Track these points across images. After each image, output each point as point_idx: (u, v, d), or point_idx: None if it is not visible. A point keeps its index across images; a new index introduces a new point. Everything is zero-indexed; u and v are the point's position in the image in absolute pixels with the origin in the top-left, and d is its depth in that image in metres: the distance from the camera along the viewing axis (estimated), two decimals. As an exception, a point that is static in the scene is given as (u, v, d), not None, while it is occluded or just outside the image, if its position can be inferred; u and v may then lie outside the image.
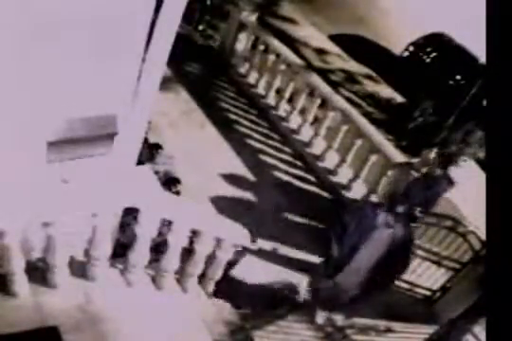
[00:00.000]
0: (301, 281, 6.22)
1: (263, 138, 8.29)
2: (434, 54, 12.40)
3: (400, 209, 5.64)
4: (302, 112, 8.40)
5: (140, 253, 4.08)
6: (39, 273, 3.82)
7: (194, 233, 4.48)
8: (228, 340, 5.10)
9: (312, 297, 6.11)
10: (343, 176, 7.69)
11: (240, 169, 7.63)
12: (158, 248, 4.75)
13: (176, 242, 4.21)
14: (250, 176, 7.57)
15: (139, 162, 4.56)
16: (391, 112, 11.01)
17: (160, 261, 4.45)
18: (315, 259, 6.60)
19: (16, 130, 3.29)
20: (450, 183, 6.08)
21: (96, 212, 3.55)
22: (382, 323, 6.11)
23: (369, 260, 5.77)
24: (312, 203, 7.50)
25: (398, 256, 5.82)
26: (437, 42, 12.63)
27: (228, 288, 5.52)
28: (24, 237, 3.44)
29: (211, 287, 5.19)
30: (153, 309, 4.27)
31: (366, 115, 8.87)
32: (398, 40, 12.72)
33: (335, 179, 7.75)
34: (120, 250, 4.35)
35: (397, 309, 6.23)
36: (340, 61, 12.19)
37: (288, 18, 12.76)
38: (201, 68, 9.36)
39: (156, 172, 6.55)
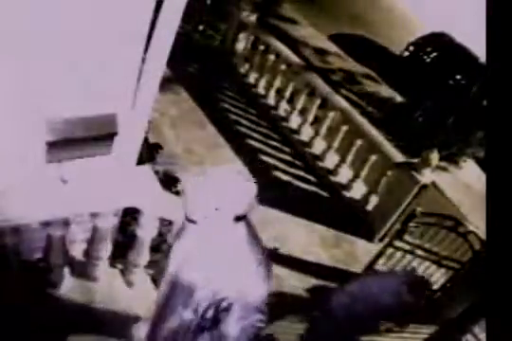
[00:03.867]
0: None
1: (263, 138, 8.29)
2: (434, 54, 12.42)
3: None
4: (302, 112, 8.39)
5: (140, 253, 4.08)
6: (40, 273, 3.82)
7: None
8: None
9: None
10: (343, 176, 7.68)
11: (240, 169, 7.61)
12: (158, 248, 4.75)
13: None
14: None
15: (139, 162, 4.55)
16: (391, 112, 11.01)
17: (160, 261, 4.45)
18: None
19: (16, 129, 3.28)
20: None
21: (96, 212, 3.55)
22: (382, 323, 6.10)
23: None
24: (312, 203, 7.50)
25: None
26: (437, 42, 12.65)
27: None
28: (24, 237, 3.44)
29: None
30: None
31: (366, 115, 8.88)
32: (398, 40, 12.73)
33: (335, 179, 7.75)
34: (120, 250, 4.35)
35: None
36: (340, 61, 12.20)
37: (288, 18, 12.77)
38: (201, 68, 9.36)
39: (156, 172, 6.53)
